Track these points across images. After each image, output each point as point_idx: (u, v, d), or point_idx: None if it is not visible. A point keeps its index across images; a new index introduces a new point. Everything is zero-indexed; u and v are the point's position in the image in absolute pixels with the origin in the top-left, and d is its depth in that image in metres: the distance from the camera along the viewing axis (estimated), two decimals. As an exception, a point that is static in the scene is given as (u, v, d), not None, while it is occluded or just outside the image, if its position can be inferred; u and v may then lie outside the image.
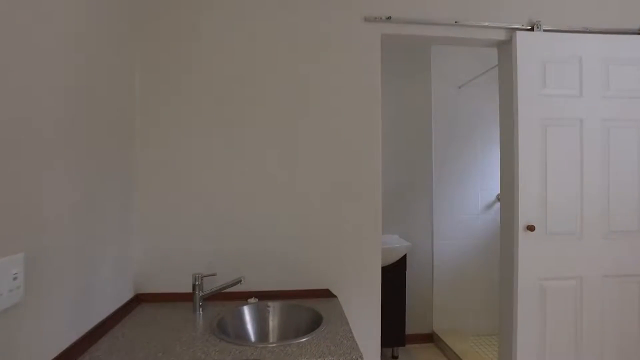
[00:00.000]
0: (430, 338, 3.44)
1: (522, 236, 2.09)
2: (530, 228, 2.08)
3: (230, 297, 1.87)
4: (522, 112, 2.10)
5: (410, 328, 3.37)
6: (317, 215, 1.98)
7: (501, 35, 2.12)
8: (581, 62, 2.14)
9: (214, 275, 1.75)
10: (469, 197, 3.49)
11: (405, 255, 3.13)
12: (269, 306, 1.78)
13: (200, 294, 1.72)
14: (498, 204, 3.50)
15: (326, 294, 1.95)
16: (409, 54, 3.46)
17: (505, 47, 2.20)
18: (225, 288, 1.73)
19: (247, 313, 1.74)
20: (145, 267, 1.87)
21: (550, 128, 2.12)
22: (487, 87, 3.52)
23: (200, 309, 1.72)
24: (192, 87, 1.91)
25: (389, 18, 1.99)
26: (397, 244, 3.10)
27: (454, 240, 3.46)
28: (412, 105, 3.45)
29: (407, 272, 3.21)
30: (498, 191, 3.50)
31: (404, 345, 3.08)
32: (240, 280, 1.71)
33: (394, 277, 3.11)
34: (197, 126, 1.91)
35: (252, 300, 1.84)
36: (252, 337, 1.68)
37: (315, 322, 1.61)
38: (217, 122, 1.92)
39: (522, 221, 2.09)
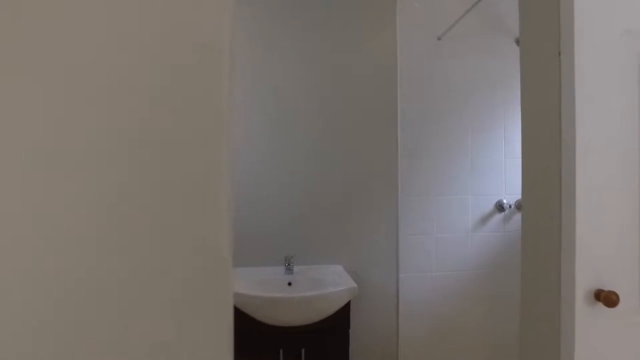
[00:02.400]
0: None
1: (585, 315, 0.86)
2: (607, 299, 0.85)
3: None
4: (584, 23, 0.87)
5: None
6: (64, 264, 0.71)
7: None
8: None
9: None
10: (455, 206, 2.27)
11: (348, 304, 1.90)
12: None
13: None
14: (498, 216, 2.30)
15: None
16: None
17: None
18: None
19: None
20: None
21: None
22: (482, 37, 2.32)
23: None
24: None
25: None
26: (332, 287, 1.86)
27: (430, 273, 2.24)
28: (366, 68, 2.22)
29: (351, 330, 1.97)
30: (498, 196, 2.30)
31: None
32: None
33: (329, 340, 1.89)
34: None
35: None
36: None
37: None
38: None
39: (584, 281, 0.86)
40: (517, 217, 2.29)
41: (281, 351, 1.84)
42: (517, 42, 2.38)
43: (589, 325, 0.85)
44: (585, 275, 0.85)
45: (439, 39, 2.29)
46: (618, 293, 0.84)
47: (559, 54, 0.91)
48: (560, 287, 0.89)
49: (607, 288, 0.85)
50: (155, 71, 0.58)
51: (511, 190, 2.26)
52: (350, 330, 1.94)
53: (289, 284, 2.04)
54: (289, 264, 2.08)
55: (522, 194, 1.08)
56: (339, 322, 1.90)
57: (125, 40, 0.57)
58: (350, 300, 1.90)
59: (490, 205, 2.29)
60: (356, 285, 1.88)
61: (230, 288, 0.65)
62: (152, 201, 0.56)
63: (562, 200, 0.90)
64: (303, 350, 1.86)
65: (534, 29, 1.02)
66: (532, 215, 1.03)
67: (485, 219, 2.29)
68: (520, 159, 2.22)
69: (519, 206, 2.27)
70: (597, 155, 0.87)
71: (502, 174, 2.29)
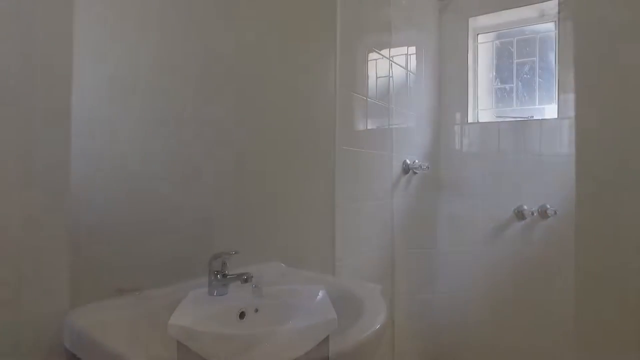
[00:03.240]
0: None
1: None
2: None
3: None
4: None
5: None
6: None
7: None
8: None
9: None
10: (465, 213, 1.86)
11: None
12: None
13: None
14: (516, 225, 1.89)
15: None
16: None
17: None
18: None
19: None
20: None
21: None
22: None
23: None
24: None
25: None
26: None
27: (432, 295, 1.84)
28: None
29: (335, 372, 1.56)
30: (517, 201, 1.90)
31: None
32: None
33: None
34: None
35: None
36: None
37: None
38: None
39: None
40: (540, 226, 1.88)
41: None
42: (540, 15, 1.98)
43: None
44: None
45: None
46: None
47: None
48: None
49: None
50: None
51: (533, 193, 1.85)
52: (330, 371, 1.54)
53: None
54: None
55: (576, 211, 0.66)
56: (315, 362, 1.50)
57: None
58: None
59: (507, 213, 1.87)
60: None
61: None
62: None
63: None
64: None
65: None
66: (595, 246, 0.61)
67: (500, 228, 1.88)
68: (539, 157, 1.82)
69: (542, 213, 1.85)
70: None
71: (520, 173, 1.87)
